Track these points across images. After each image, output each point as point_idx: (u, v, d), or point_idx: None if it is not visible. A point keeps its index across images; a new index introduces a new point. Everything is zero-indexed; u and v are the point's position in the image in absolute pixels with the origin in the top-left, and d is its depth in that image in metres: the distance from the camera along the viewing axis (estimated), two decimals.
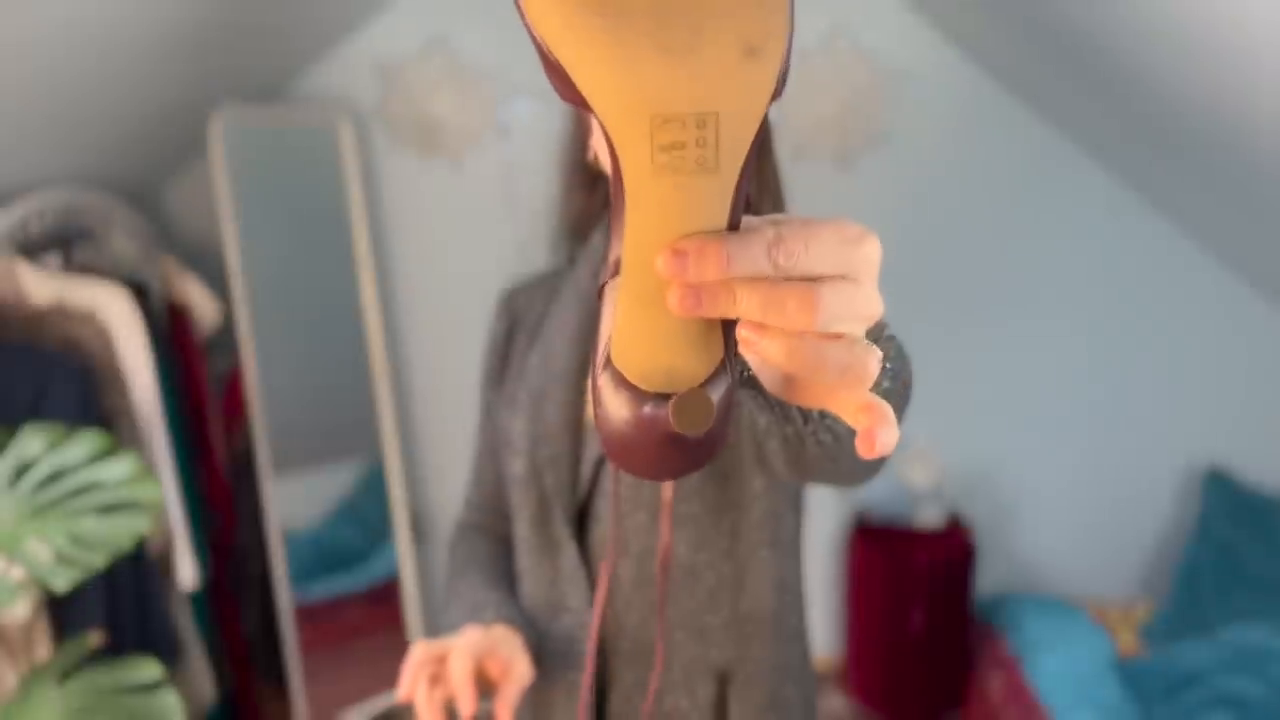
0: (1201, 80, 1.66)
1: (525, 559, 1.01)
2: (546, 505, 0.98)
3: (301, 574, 2.41)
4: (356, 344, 2.48)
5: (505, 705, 0.84)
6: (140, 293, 2.09)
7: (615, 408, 0.47)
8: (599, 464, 0.95)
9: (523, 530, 1.00)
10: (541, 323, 1.04)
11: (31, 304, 1.90)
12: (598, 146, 0.78)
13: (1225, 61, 1.51)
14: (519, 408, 1.00)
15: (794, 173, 2.60)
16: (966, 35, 2.42)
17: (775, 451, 0.81)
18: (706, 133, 0.40)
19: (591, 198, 1.02)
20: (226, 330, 2.30)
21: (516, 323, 1.06)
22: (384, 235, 2.67)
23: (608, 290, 0.49)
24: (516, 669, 0.87)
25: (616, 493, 0.88)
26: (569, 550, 0.96)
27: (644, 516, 0.94)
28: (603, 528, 0.95)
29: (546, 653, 0.99)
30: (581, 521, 0.98)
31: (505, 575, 1.07)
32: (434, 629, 2.89)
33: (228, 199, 2.21)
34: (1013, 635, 2.52)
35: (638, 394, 0.46)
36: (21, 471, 1.18)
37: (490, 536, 1.13)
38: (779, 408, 0.63)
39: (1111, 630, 2.51)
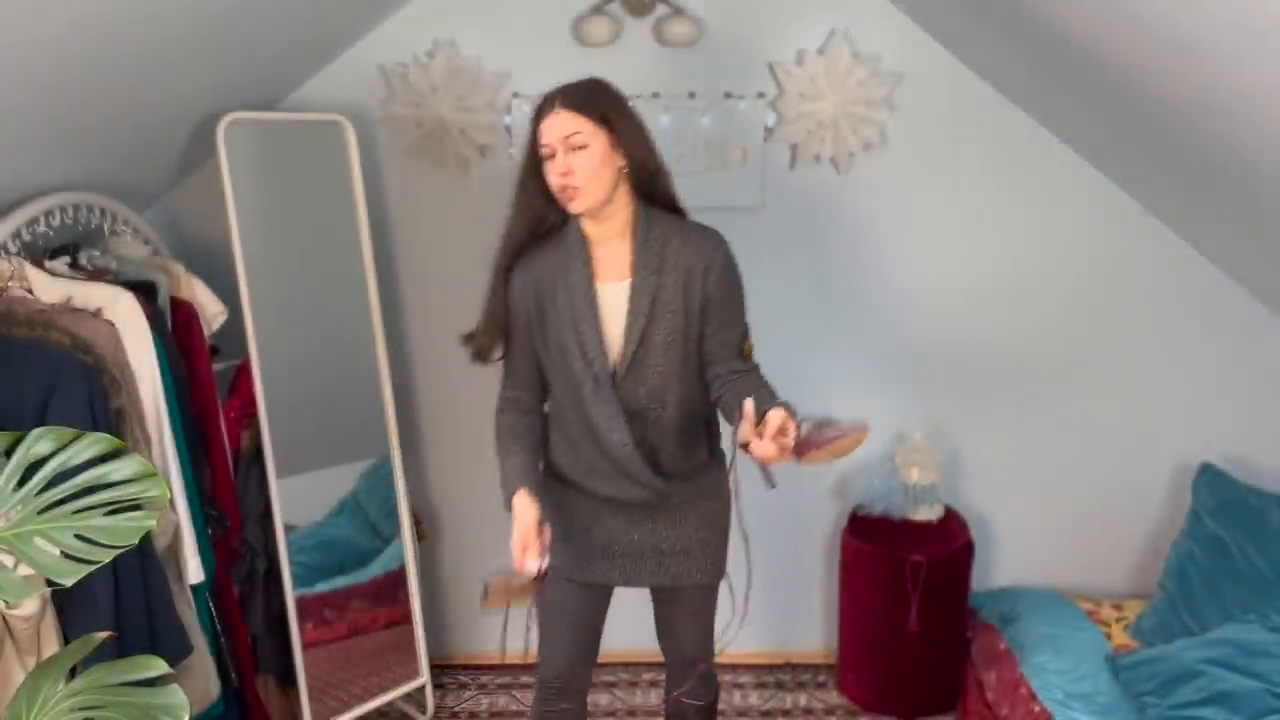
0: (1193, 82, 1.67)
1: (590, 406, 1.76)
2: (599, 378, 1.74)
3: (305, 571, 2.43)
4: (360, 344, 2.51)
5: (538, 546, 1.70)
6: (147, 294, 2.12)
7: None
8: (627, 354, 1.74)
9: (588, 392, 1.75)
10: (554, 278, 1.76)
11: (40, 304, 1.93)
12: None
13: (1222, 64, 1.52)
14: (566, 331, 1.75)
15: (792, 176, 2.62)
16: (963, 39, 2.43)
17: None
18: None
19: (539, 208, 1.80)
20: (232, 330, 2.32)
21: (539, 286, 1.78)
22: (388, 237, 2.69)
23: None
24: (535, 523, 1.72)
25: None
26: (614, 400, 1.75)
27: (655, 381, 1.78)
28: (632, 387, 1.76)
29: (605, 453, 1.81)
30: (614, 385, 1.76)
31: (529, 436, 1.88)
32: (437, 625, 2.92)
33: (234, 201, 2.24)
34: (1009, 631, 2.54)
35: None
36: (30, 471, 1.21)
37: (520, 409, 1.90)
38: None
39: (1105, 626, 2.53)
